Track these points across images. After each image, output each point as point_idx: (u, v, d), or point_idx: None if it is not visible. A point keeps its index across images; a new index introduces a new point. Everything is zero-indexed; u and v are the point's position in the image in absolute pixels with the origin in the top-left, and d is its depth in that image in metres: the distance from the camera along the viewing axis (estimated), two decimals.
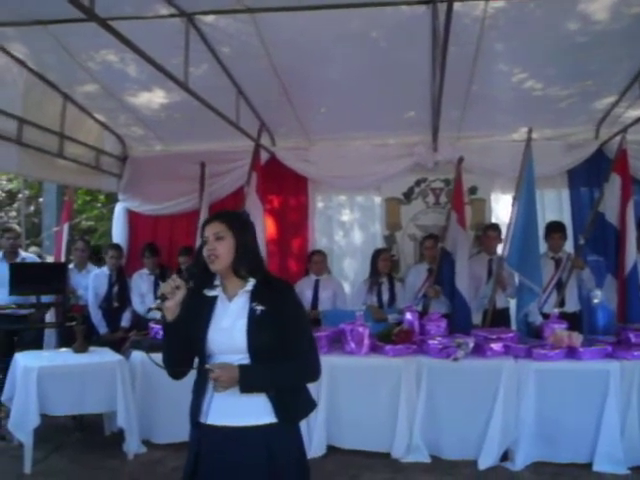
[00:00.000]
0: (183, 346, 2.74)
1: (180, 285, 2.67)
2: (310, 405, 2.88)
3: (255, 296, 2.73)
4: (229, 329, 2.69)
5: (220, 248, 2.70)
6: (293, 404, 2.75)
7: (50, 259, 9.55)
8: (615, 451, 5.29)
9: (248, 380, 2.60)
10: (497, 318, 6.75)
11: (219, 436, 2.67)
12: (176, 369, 2.76)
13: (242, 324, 2.68)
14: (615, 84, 6.30)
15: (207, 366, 2.63)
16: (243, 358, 2.66)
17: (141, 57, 4.56)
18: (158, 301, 2.66)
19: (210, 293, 2.81)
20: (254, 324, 2.67)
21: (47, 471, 5.37)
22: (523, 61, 5.90)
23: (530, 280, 6.50)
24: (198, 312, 2.76)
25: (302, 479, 2.74)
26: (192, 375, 2.81)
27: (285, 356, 2.68)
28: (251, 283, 2.76)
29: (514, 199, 6.75)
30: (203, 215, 7.48)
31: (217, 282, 2.82)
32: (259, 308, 2.68)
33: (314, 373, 2.82)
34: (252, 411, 2.65)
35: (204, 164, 7.69)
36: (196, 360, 2.79)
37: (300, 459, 2.76)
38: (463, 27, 4.97)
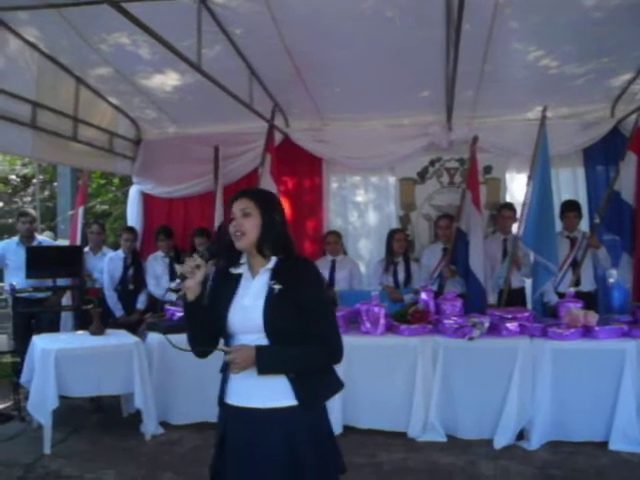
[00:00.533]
0: (207, 325, 2.71)
1: (200, 264, 2.64)
2: (334, 387, 2.81)
3: (275, 274, 2.67)
4: (249, 308, 2.64)
5: (246, 225, 2.65)
6: (314, 386, 2.68)
7: (64, 243, 9.58)
8: (631, 430, 5.30)
9: (265, 362, 2.56)
10: (513, 298, 6.74)
11: (241, 417, 2.65)
12: (199, 349, 2.74)
13: (260, 303, 2.62)
14: (632, 61, 6.21)
15: (223, 348, 2.62)
16: (261, 338, 2.61)
17: (154, 39, 4.56)
18: (178, 281, 2.64)
19: (236, 271, 2.77)
20: (271, 303, 2.61)
21: (66, 452, 5.43)
22: (538, 39, 5.83)
23: (547, 259, 6.48)
24: (223, 291, 2.74)
25: (328, 464, 2.67)
26: (212, 356, 2.77)
27: (306, 337, 2.61)
28: (273, 261, 2.70)
29: (529, 178, 6.73)
30: (218, 198, 7.50)
31: (243, 260, 2.77)
32: (277, 287, 2.62)
33: (335, 355, 2.71)
34: (272, 393, 2.61)
35: (218, 148, 7.67)
36: (222, 340, 2.76)
37: (326, 443, 2.69)
38: (477, 5, 4.89)
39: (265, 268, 2.70)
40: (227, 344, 2.70)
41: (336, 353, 2.71)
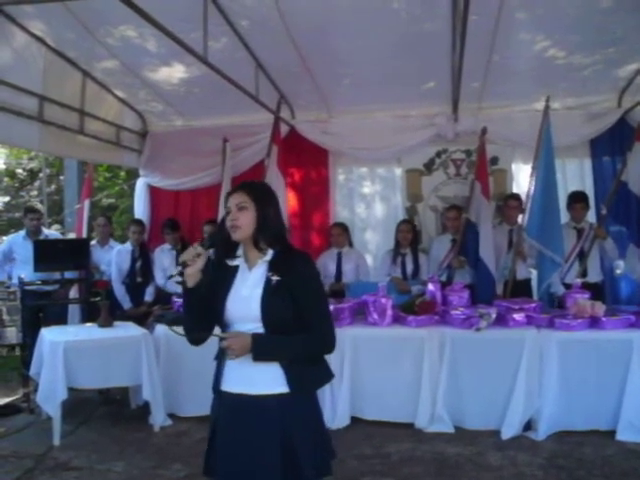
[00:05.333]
0: (204, 313, 2.78)
1: (201, 252, 2.71)
2: (326, 376, 2.90)
3: (272, 266, 2.75)
4: (246, 298, 2.73)
5: (242, 218, 2.72)
6: (307, 374, 2.77)
7: (71, 236, 9.61)
8: (638, 421, 5.29)
9: (261, 349, 2.65)
10: (519, 289, 6.74)
11: (234, 403, 2.74)
12: (194, 336, 2.83)
13: (258, 293, 2.71)
14: (639, 51, 6.20)
15: (220, 334, 2.69)
16: (258, 327, 2.69)
17: (160, 31, 4.55)
18: (179, 268, 2.71)
19: (232, 263, 2.84)
20: (269, 294, 2.70)
21: (75, 443, 5.47)
22: (545, 29, 5.83)
23: (552, 251, 6.46)
24: (220, 281, 2.81)
25: (320, 450, 2.77)
26: (216, 346, 2.83)
27: (300, 327, 2.70)
28: (270, 253, 2.77)
29: (533, 169, 6.71)
30: (225, 190, 7.50)
31: (239, 252, 2.85)
32: (275, 278, 2.71)
33: (328, 345, 2.81)
34: (266, 380, 2.69)
35: (226, 139, 7.67)
36: (217, 328, 2.83)
37: (317, 430, 2.80)
38: None
39: (262, 260, 2.78)
40: (224, 332, 2.76)
41: (329, 343, 2.80)
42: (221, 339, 2.65)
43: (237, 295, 2.77)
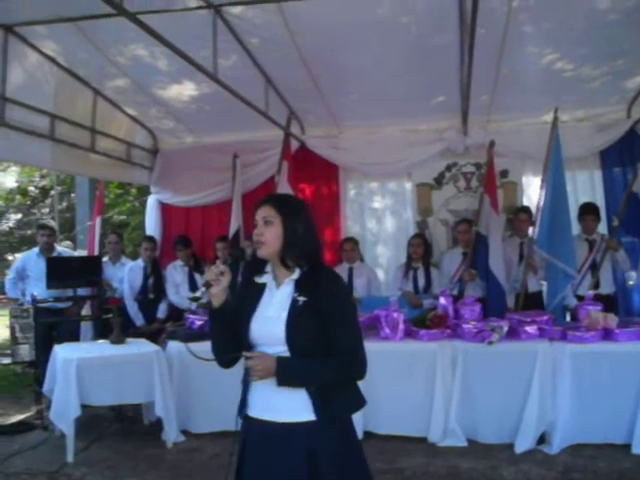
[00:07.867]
0: (230, 334, 2.64)
1: (224, 271, 2.58)
2: (356, 403, 2.69)
3: (299, 286, 2.58)
4: (272, 319, 2.56)
5: (267, 234, 2.56)
6: (335, 402, 2.56)
7: (83, 253, 9.65)
8: None
9: (285, 373, 2.49)
10: (530, 302, 6.70)
11: (260, 430, 2.59)
12: (224, 358, 2.69)
13: (283, 315, 2.54)
14: None
15: (245, 354, 2.54)
16: (284, 351, 2.52)
17: (171, 50, 4.60)
18: (203, 289, 2.56)
19: (260, 280, 2.69)
20: (295, 316, 2.53)
21: (89, 460, 5.46)
22: (553, 42, 5.84)
23: (564, 263, 6.44)
24: (247, 299, 2.67)
25: (352, 476, 2.58)
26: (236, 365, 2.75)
27: (329, 351, 2.53)
28: (297, 272, 2.60)
29: (542, 181, 6.70)
30: (235, 206, 7.52)
31: (268, 269, 2.69)
32: (302, 299, 2.53)
33: (358, 370, 2.60)
34: (291, 407, 2.53)
35: (236, 155, 7.70)
36: None
37: (350, 456, 2.59)
38: (491, 10, 4.94)
39: (289, 279, 2.62)
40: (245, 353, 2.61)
41: (359, 369, 2.60)
42: (246, 358, 2.52)
43: (262, 316, 2.61)
